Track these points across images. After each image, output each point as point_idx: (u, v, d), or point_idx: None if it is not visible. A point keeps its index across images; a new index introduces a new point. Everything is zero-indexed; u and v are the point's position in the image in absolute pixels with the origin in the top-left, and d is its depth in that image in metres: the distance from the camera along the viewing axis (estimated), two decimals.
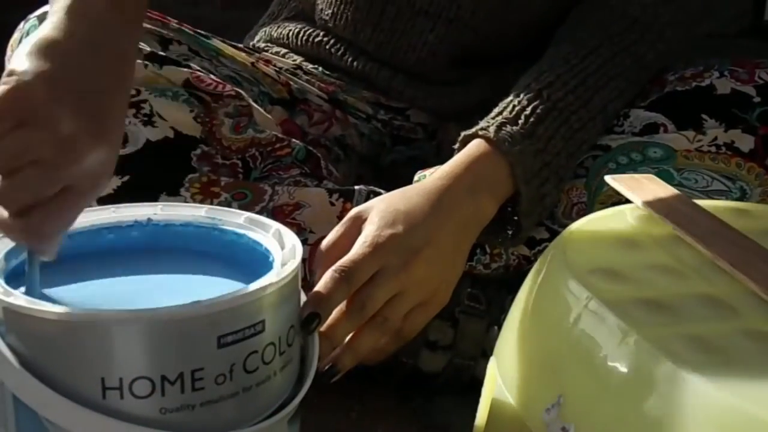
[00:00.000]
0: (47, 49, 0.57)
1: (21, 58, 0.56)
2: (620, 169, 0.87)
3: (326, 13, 1.05)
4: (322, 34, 1.08)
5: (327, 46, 1.07)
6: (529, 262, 0.86)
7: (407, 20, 1.02)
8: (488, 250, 0.86)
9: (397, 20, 1.02)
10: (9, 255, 0.59)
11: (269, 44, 1.13)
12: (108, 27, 0.60)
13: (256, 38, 1.16)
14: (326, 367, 0.69)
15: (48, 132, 0.55)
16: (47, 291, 0.59)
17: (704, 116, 0.89)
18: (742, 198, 0.85)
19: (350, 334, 0.72)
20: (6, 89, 0.55)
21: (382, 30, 1.02)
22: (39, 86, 0.55)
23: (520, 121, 0.82)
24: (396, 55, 1.03)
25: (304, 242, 0.79)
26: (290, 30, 1.11)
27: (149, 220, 0.66)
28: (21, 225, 0.56)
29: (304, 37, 1.08)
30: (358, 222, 0.75)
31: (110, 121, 0.59)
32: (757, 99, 0.88)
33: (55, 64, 0.57)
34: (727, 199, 0.85)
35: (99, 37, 0.60)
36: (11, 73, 0.55)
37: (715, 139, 0.88)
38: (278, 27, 1.12)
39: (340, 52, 1.06)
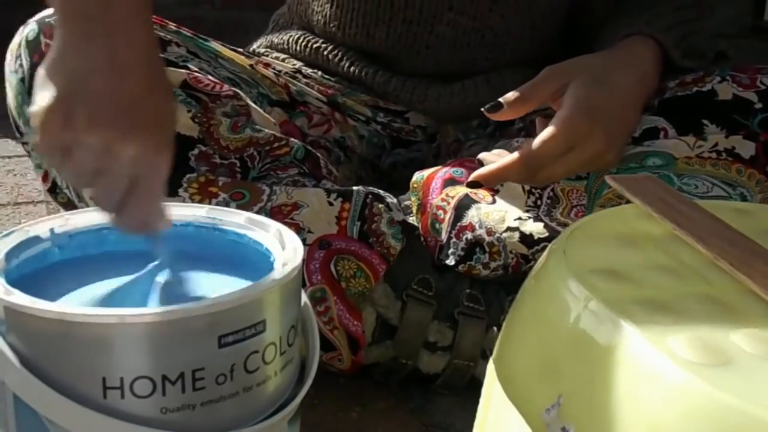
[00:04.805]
0: (49, 71, 0.60)
1: (35, 91, 0.60)
2: (620, 173, 0.87)
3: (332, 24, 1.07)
4: (320, 41, 1.09)
5: (325, 53, 1.08)
6: (528, 261, 0.86)
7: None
8: (486, 249, 0.86)
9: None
10: (9, 255, 0.59)
11: (269, 50, 1.14)
12: (97, 19, 0.60)
13: (256, 44, 1.17)
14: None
15: (84, 149, 0.58)
16: (47, 292, 0.59)
17: (705, 122, 0.89)
18: None
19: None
20: (37, 129, 0.59)
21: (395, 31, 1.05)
22: (54, 112, 0.58)
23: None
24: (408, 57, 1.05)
25: (302, 242, 0.79)
26: (290, 36, 1.12)
27: None
28: (119, 222, 0.61)
29: (304, 43, 1.10)
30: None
31: (132, 108, 0.59)
32: (759, 105, 0.88)
33: (60, 81, 0.59)
34: None
35: (91, 29, 0.60)
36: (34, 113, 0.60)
37: (716, 145, 0.88)
38: (279, 34, 1.14)
39: (337, 58, 1.08)
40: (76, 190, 0.68)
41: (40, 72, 0.60)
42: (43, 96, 0.59)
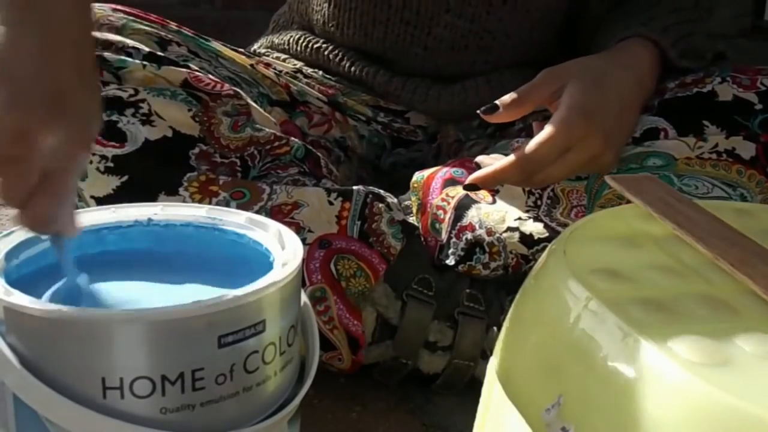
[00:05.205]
0: None
1: None
2: (620, 173, 0.87)
3: (330, 24, 1.07)
4: (321, 41, 1.09)
5: (325, 53, 1.08)
6: (528, 261, 0.86)
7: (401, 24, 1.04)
8: (486, 249, 0.86)
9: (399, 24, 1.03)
10: (9, 255, 0.59)
11: (269, 50, 1.15)
12: (35, 6, 0.58)
13: (257, 44, 1.17)
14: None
15: None
16: (47, 292, 0.59)
17: (705, 122, 0.89)
18: None
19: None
20: None
21: (393, 30, 1.05)
22: None
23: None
24: (407, 56, 1.05)
25: (302, 242, 0.79)
26: (291, 36, 1.12)
27: (150, 220, 0.66)
28: (25, 217, 0.57)
29: (304, 43, 1.10)
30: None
31: (55, 98, 0.57)
32: (759, 106, 0.88)
33: None
34: None
35: (27, 15, 0.58)
36: None
37: (716, 145, 0.88)
38: (280, 34, 1.14)
39: (338, 59, 1.08)
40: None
41: None
42: None
